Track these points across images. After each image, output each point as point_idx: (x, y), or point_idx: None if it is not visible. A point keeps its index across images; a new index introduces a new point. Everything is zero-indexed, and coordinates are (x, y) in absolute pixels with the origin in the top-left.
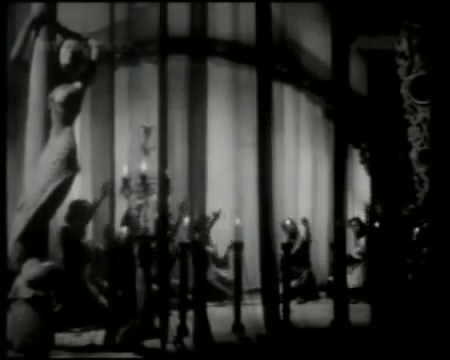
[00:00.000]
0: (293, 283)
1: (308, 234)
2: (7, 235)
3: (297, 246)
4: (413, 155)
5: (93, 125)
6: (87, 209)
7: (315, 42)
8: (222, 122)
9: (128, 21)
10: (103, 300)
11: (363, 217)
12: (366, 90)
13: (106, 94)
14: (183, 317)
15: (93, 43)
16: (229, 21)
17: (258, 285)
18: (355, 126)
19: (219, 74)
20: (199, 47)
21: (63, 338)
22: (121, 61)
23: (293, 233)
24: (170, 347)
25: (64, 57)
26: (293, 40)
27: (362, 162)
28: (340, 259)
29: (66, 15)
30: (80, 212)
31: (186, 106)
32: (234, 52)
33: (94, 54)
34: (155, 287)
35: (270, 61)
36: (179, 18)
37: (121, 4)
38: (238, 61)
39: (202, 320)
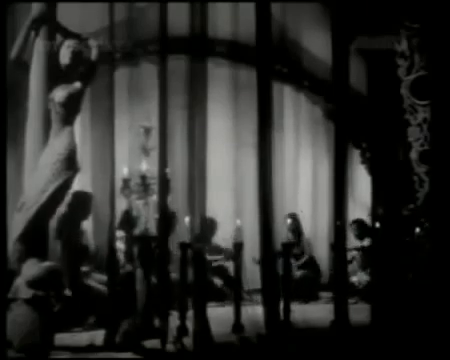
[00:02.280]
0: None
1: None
2: (7, 235)
3: (304, 260)
4: (413, 155)
5: (93, 125)
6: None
7: (315, 41)
8: (222, 122)
9: (128, 21)
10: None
11: (365, 219)
12: (366, 90)
13: (106, 94)
14: (183, 317)
15: (93, 43)
16: (229, 21)
17: (258, 285)
18: (355, 126)
19: (219, 74)
20: (199, 47)
21: (63, 338)
22: (121, 61)
23: (294, 230)
24: (170, 347)
25: (64, 57)
26: (293, 39)
27: (362, 162)
28: (340, 259)
29: (66, 15)
30: (82, 202)
31: (186, 106)
32: (234, 52)
33: (94, 54)
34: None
35: (270, 61)
36: (179, 18)
37: (121, 4)
38: (238, 61)
39: (202, 320)
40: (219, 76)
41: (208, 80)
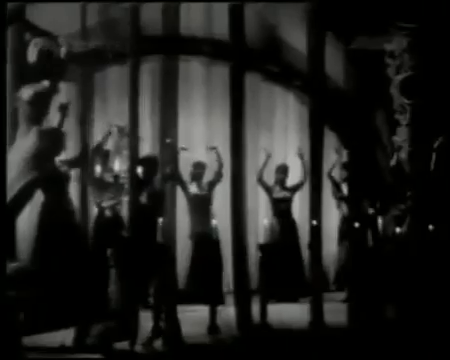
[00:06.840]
0: None
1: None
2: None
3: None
4: (402, 155)
5: (76, 125)
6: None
7: (304, 40)
8: (195, 120)
9: (107, 21)
10: None
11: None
12: (355, 89)
13: (86, 94)
14: (157, 318)
15: (62, 41)
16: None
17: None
18: (344, 126)
19: (194, 72)
20: (179, 46)
21: (33, 339)
22: (96, 60)
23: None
24: (140, 349)
25: (32, 55)
26: (282, 39)
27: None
28: (317, 259)
29: (47, 15)
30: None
31: (160, 105)
32: (210, 49)
33: (63, 52)
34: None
35: (244, 57)
36: (155, 18)
37: (103, 4)
38: (214, 58)
39: (173, 321)
40: (194, 74)
41: (183, 78)
